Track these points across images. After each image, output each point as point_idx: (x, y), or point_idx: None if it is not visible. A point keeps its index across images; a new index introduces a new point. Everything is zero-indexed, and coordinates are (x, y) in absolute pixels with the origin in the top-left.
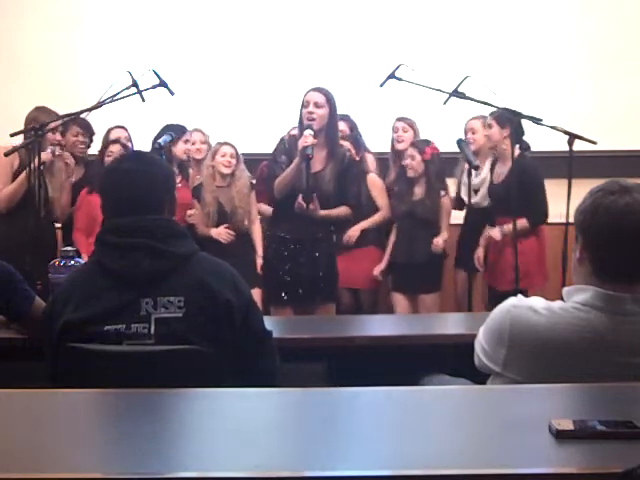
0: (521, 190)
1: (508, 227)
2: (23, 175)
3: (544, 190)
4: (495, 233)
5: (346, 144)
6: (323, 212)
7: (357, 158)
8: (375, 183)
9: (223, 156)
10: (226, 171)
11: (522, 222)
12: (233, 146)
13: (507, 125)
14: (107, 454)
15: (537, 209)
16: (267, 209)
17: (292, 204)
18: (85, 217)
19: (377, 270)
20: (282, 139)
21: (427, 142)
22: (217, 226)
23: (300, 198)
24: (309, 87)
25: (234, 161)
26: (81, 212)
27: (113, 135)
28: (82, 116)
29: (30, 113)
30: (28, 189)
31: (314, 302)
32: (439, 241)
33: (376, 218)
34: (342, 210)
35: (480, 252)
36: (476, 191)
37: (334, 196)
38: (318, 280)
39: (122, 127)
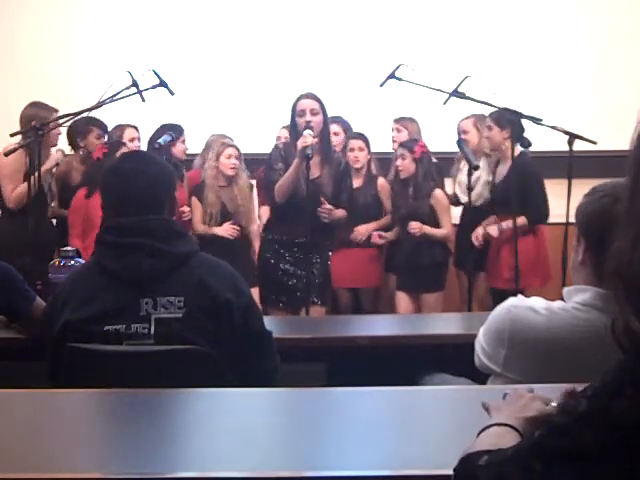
0: (521, 189)
1: (507, 224)
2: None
3: (544, 189)
4: (492, 230)
5: (357, 142)
6: (334, 214)
7: (369, 157)
8: (384, 187)
9: (228, 158)
10: (231, 173)
11: (521, 220)
12: (236, 147)
13: (507, 126)
14: (107, 454)
15: (536, 207)
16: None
17: (290, 207)
18: (81, 221)
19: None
20: (276, 146)
21: (416, 141)
22: (220, 225)
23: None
24: (308, 88)
25: (238, 162)
26: (77, 216)
27: (127, 135)
28: (82, 116)
29: (26, 110)
30: (35, 189)
31: (307, 304)
32: (417, 224)
33: (383, 221)
34: (340, 212)
35: (478, 233)
36: (470, 189)
37: (332, 201)
38: (312, 283)
39: (134, 126)
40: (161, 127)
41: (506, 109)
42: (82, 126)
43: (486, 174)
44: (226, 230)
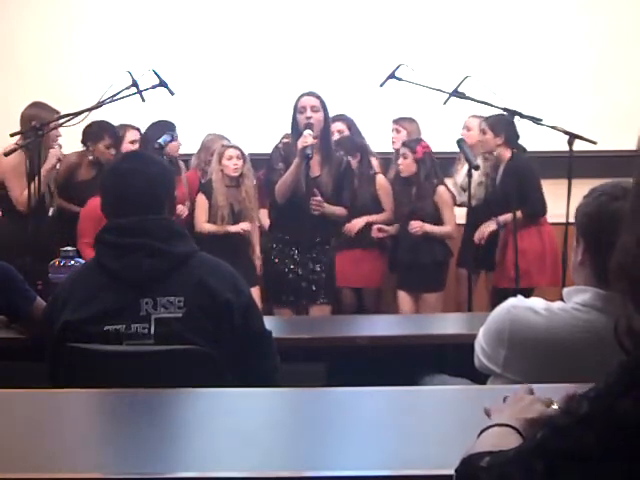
0: (517, 188)
1: (504, 218)
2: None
3: (539, 184)
4: (490, 226)
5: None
6: (327, 208)
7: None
8: (383, 185)
9: (229, 159)
10: (234, 174)
11: (518, 213)
12: (237, 147)
13: (501, 133)
14: (107, 454)
15: (532, 200)
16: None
17: (291, 206)
18: (93, 230)
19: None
20: (277, 147)
21: (419, 141)
22: (232, 224)
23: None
24: (307, 88)
25: (240, 162)
26: (89, 224)
27: (129, 137)
28: (82, 116)
29: (26, 110)
30: (36, 190)
31: (312, 303)
32: (417, 223)
33: (381, 217)
34: (339, 209)
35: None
36: (465, 189)
37: (332, 200)
38: (317, 282)
39: (136, 128)
40: (153, 124)
41: (506, 109)
42: (96, 130)
43: (478, 175)
44: (239, 226)
